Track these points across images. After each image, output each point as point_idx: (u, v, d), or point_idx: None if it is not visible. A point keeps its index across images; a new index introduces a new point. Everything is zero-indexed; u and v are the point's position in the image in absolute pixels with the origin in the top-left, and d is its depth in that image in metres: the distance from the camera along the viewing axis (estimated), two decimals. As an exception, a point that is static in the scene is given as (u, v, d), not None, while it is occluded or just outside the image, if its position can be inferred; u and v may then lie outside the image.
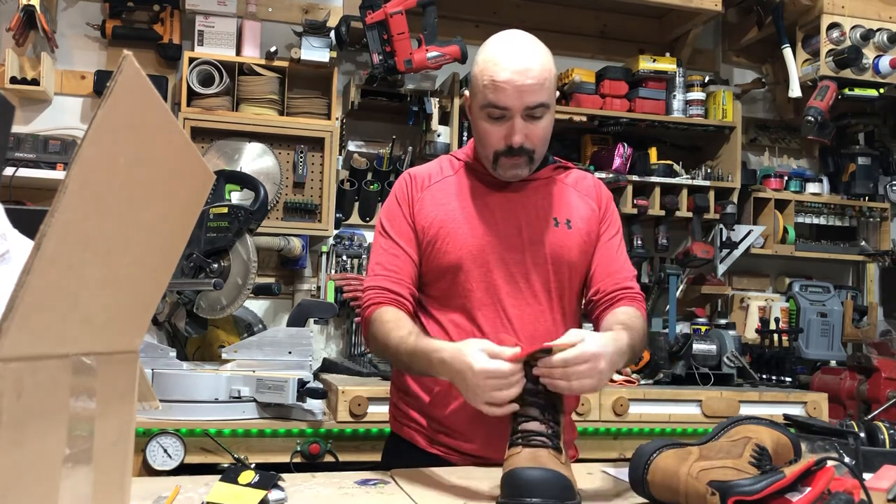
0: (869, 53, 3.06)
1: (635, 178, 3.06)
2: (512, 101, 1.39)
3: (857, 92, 3.08)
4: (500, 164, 1.46)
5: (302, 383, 2.05)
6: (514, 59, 1.40)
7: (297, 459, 2.09)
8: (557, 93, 1.49)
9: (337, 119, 2.92)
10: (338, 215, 2.93)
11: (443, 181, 1.54)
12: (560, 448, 1.17)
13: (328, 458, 2.14)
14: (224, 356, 2.26)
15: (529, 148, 1.44)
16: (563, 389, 1.19)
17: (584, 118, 3.03)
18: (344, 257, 2.95)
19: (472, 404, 1.22)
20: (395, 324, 1.41)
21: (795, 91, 3.15)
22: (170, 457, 1.97)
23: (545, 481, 1.10)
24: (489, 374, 1.18)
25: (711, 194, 3.15)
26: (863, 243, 3.51)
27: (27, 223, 0.99)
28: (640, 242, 3.12)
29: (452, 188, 1.53)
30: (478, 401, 1.20)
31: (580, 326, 1.59)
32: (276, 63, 2.83)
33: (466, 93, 1.52)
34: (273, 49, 2.81)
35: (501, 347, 1.21)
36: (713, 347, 2.82)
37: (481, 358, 1.20)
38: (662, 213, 3.11)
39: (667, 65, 3.09)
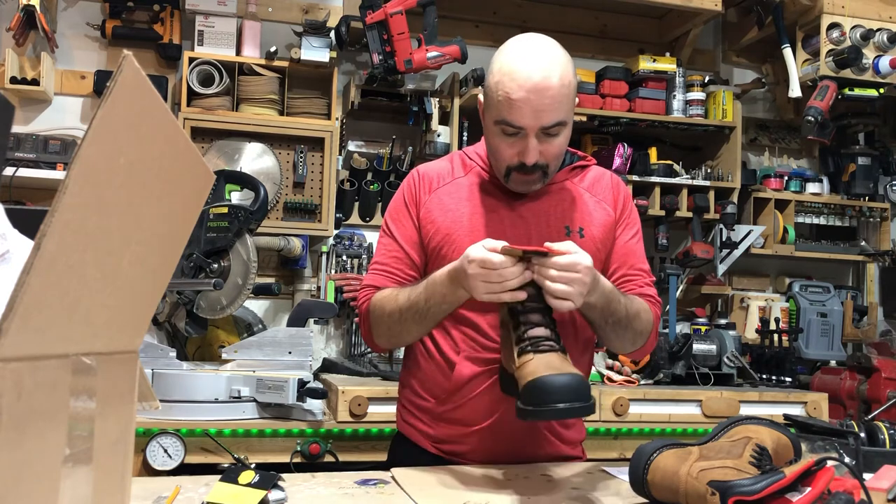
0: (869, 53, 3.06)
1: (635, 178, 3.06)
2: (527, 120, 1.34)
3: (857, 92, 3.08)
4: (512, 179, 1.43)
5: (302, 383, 2.05)
6: (532, 74, 1.32)
7: (297, 459, 2.10)
8: (577, 99, 1.43)
9: (337, 119, 2.92)
10: (338, 215, 2.93)
11: (452, 183, 1.51)
12: (564, 349, 1.22)
13: (328, 458, 2.14)
14: (224, 356, 2.26)
15: (543, 164, 1.40)
16: (551, 292, 1.22)
17: (584, 118, 3.03)
18: (344, 257, 2.95)
19: (476, 298, 1.26)
20: (398, 289, 1.43)
21: (795, 91, 3.15)
22: (170, 457, 1.97)
23: (569, 386, 1.13)
24: (482, 263, 1.22)
25: (711, 194, 3.15)
26: (863, 243, 3.51)
27: (27, 223, 0.99)
28: (640, 242, 3.12)
29: (462, 192, 1.49)
30: (478, 291, 1.24)
31: (592, 338, 1.58)
32: (276, 63, 2.83)
33: (481, 97, 1.46)
34: (273, 49, 2.81)
35: (498, 242, 1.24)
36: (713, 347, 2.82)
37: (476, 248, 1.24)
38: (662, 213, 3.11)
39: (667, 65, 3.09)
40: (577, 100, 1.42)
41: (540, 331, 1.22)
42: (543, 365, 1.17)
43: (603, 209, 1.52)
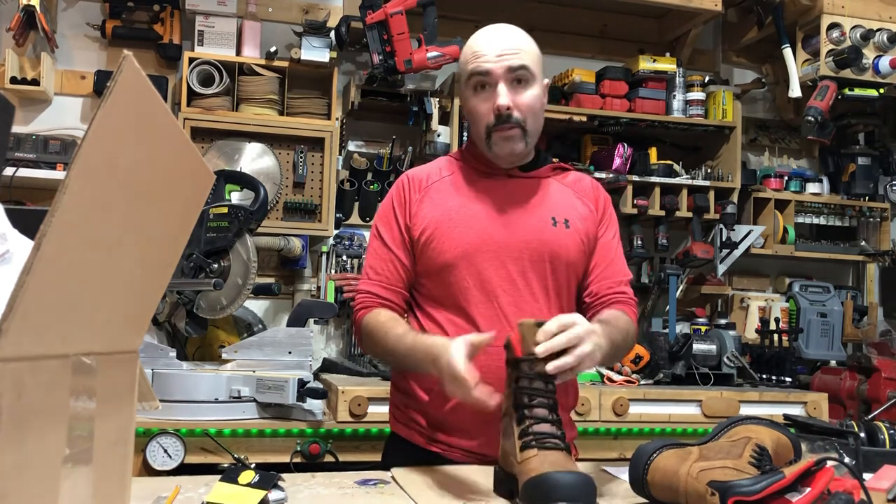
0: (869, 53, 3.06)
1: (635, 178, 3.06)
2: (493, 64, 1.43)
3: (857, 92, 3.08)
4: (493, 141, 1.47)
5: (302, 383, 2.06)
6: (494, 32, 1.48)
7: (297, 459, 2.09)
8: (546, 81, 1.52)
9: (337, 119, 2.92)
10: (338, 215, 2.93)
11: (440, 181, 1.54)
12: (569, 447, 1.19)
13: (328, 458, 2.14)
14: (224, 356, 2.26)
15: (519, 118, 1.45)
16: (569, 365, 1.17)
17: (584, 118, 3.03)
18: (344, 257, 2.95)
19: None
20: (392, 324, 1.45)
21: (795, 91, 3.15)
22: (170, 457, 1.97)
23: (574, 484, 1.08)
24: (451, 381, 1.21)
25: (711, 194, 3.15)
26: (863, 243, 3.51)
27: (27, 223, 0.99)
28: (640, 242, 3.12)
29: (450, 188, 1.53)
30: (455, 395, 1.23)
31: None
32: (276, 63, 2.83)
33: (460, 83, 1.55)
34: (273, 49, 2.81)
35: (482, 337, 1.23)
36: (713, 347, 2.81)
37: (452, 362, 1.20)
38: (662, 213, 3.11)
39: (667, 65, 3.09)
40: (546, 82, 1.52)
41: (545, 427, 1.17)
42: (549, 462, 1.12)
43: (585, 205, 1.57)
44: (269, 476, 1.15)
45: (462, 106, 1.56)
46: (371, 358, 2.76)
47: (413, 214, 1.51)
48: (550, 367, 1.17)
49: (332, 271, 2.93)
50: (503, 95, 1.43)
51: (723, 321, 3.09)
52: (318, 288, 2.95)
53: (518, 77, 1.44)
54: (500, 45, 1.45)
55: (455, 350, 1.22)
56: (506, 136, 1.46)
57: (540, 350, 1.16)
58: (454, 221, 1.48)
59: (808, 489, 1.02)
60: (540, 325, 1.19)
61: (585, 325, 1.22)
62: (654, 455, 1.15)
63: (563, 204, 1.54)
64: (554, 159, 1.61)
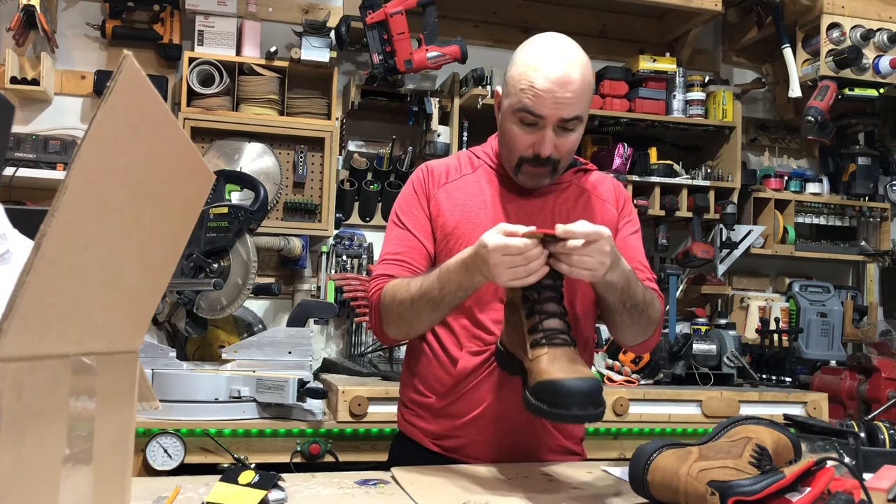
0: (869, 53, 3.06)
1: (635, 178, 3.06)
2: (548, 111, 1.37)
3: (857, 92, 3.08)
4: (522, 171, 1.45)
5: (302, 383, 2.06)
6: (556, 68, 1.37)
7: (297, 459, 2.10)
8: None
9: (337, 119, 2.92)
10: (338, 215, 2.93)
11: (460, 179, 1.53)
12: (575, 342, 1.23)
13: (328, 458, 2.14)
14: (224, 356, 2.26)
15: (556, 158, 1.42)
16: (574, 265, 1.19)
17: (583, 118, 3.02)
18: (344, 257, 2.95)
19: (500, 284, 1.24)
20: (410, 278, 1.41)
21: (795, 91, 3.15)
22: (170, 457, 1.97)
23: (585, 391, 1.15)
24: (504, 251, 1.19)
25: (711, 194, 3.15)
26: (863, 243, 3.51)
27: (27, 223, 0.99)
28: (640, 242, 3.12)
29: (470, 188, 1.52)
30: (500, 279, 1.21)
31: (594, 331, 1.59)
32: (276, 63, 2.83)
33: (498, 89, 1.49)
34: (273, 49, 2.81)
35: (517, 226, 1.22)
36: (713, 347, 2.82)
37: (495, 236, 1.20)
38: (662, 213, 3.11)
39: (667, 65, 3.09)
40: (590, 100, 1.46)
41: (554, 322, 1.21)
42: (558, 364, 1.16)
43: (606, 208, 1.55)
44: (269, 476, 1.15)
45: (497, 117, 1.49)
46: (371, 358, 2.76)
47: (432, 207, 1.50)
48: (560, 230, 1.18)
49: (332, 271, 2.93)
50: (549, 144, 1.40)
51: (723, 321, 3.09)
52: (318, 288, 2.95)
53: (568, 126, 1.40)
54: (560, 89, 1.36)
55: (487, 234, 1.22)
56: (537, 172, 1.45)
57: (559, 230, 1.18)
58: (473, 224, 1.47)
59: (808, 489, 1.02)
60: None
61: (605, 230, 1.21)
62: (654, 455, 1.15)
63: (582, 210, 1.52)
64: (576, 158, 1.56)
